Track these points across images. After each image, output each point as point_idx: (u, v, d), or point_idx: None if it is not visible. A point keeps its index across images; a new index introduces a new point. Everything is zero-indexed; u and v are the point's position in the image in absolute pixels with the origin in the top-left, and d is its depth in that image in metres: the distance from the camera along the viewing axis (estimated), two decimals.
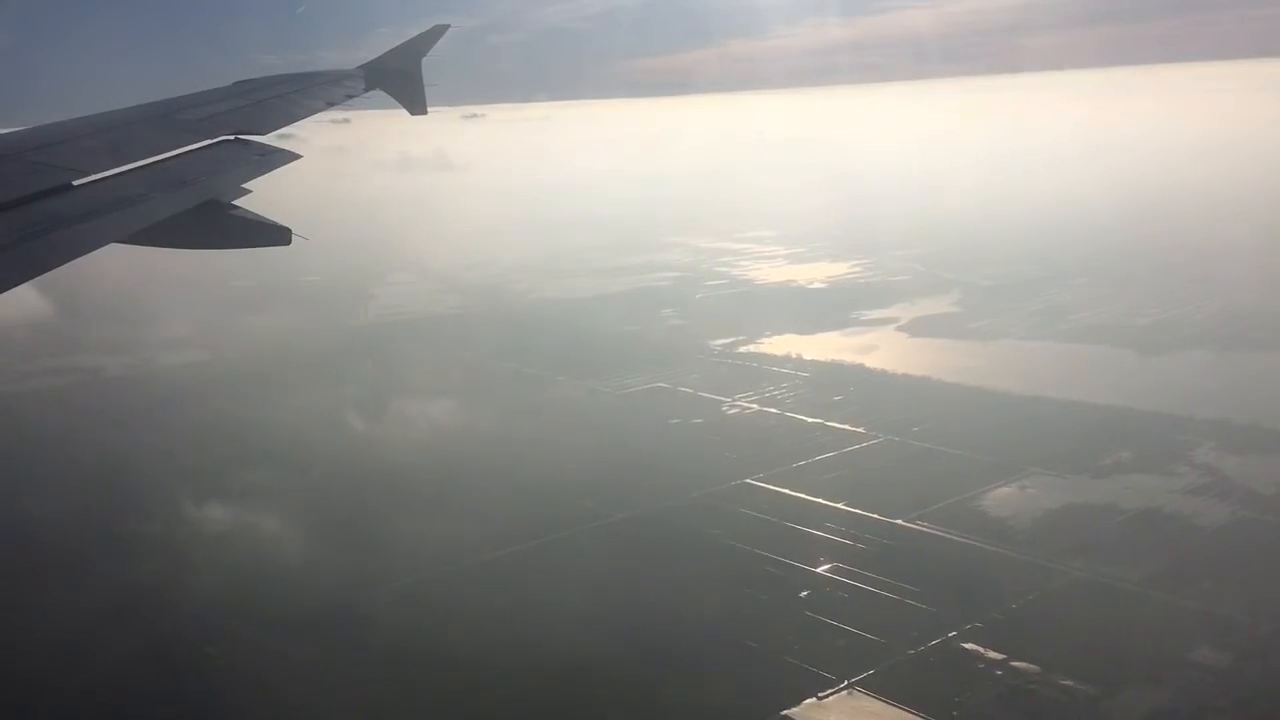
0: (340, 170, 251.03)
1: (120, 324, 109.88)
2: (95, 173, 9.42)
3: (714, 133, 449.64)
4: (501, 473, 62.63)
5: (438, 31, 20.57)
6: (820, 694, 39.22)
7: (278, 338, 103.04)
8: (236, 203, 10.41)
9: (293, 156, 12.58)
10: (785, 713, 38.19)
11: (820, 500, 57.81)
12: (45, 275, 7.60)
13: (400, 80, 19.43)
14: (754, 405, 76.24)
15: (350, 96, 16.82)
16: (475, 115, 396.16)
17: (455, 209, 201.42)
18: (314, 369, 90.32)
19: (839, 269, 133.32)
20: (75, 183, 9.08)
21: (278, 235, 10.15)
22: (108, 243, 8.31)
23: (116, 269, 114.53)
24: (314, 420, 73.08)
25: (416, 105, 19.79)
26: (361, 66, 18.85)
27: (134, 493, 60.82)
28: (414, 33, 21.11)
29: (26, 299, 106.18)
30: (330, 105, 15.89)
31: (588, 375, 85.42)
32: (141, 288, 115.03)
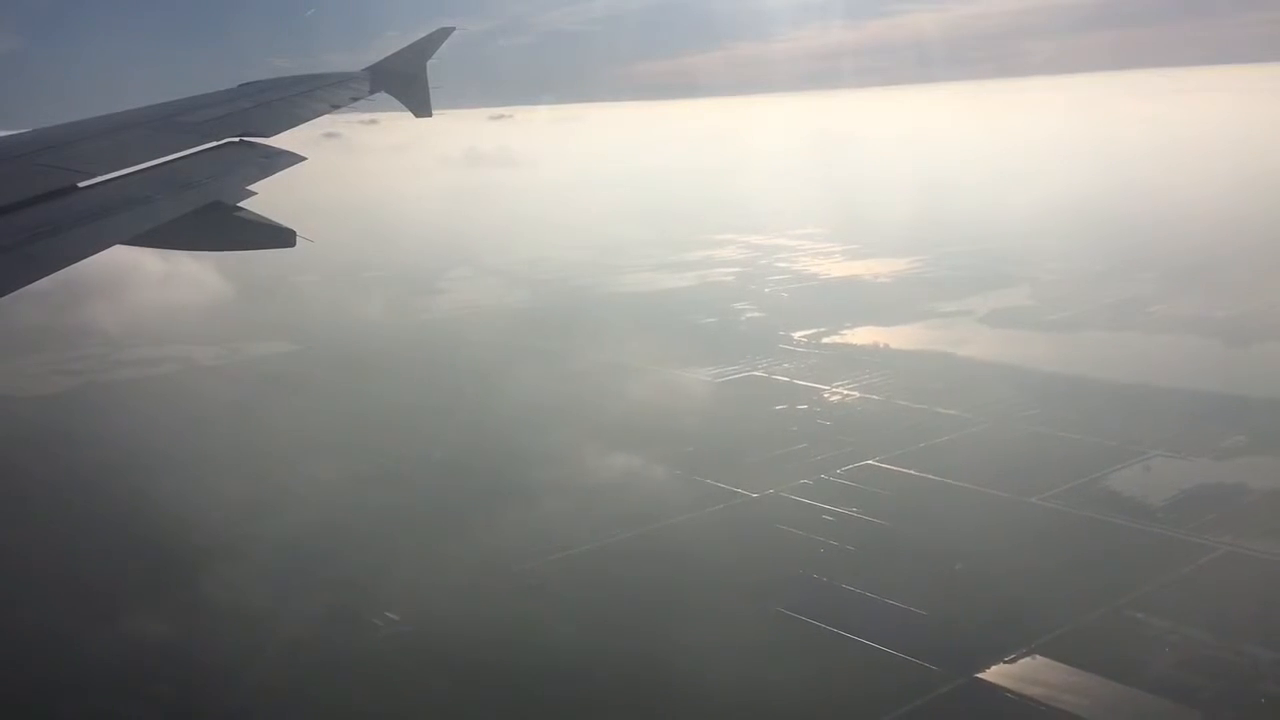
0: (376, 169, 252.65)
1: (190, 319, 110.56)
2: (100, 174, 9.42)
3: (733, 134, 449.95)
4: (639, 454, 64.14)
5: (442, 34, 20.70)
6: (1005, 659, 40.36)
7: (355, 330, 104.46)
8: (241, 205, 10.33)
9: (297, 159, 12.51)
10: (978, 675, 39.35)
11: (948, 480, 58.94)
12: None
13: (405, 82, 19.34)
14: (855, 392, 77.38)
15: (355, 99, 16.90)
16: (502, 116, 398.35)
17: (502, 206, 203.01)
18: (408, 359, 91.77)
19: (899, 264, 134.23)
20: (80, 184, 9.09)
21: (282, 237, 10.07)
22: (112, 244, 8.29)
23: (167, 264, 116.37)
24: (447, 407, 75.16)
25: (421, 108, 19.74)
26: (367, 69, 18.87)
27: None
28: (421, 36, 21.20)
29: (81, 296, 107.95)
30: (335, 108, 15.86)
31: (679, 365, 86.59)
32: (200, 283, 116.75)
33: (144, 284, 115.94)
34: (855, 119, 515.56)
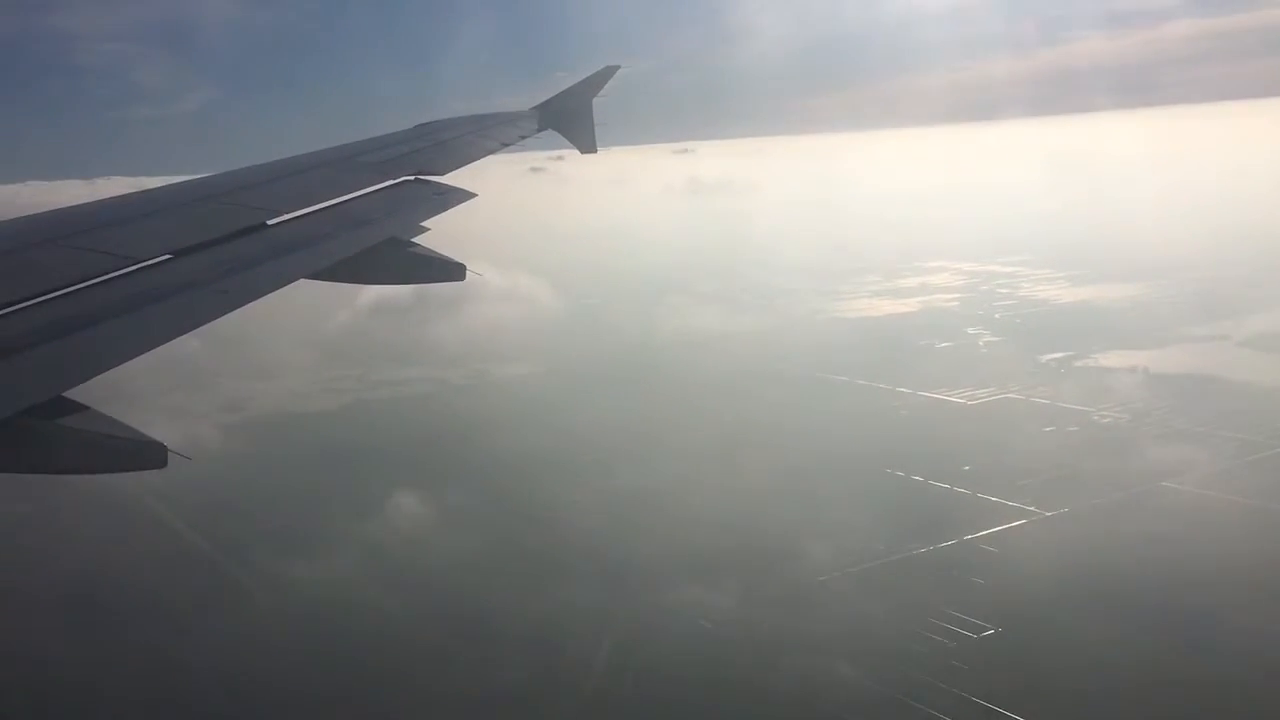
0: (579, 201, 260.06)
1: (416, 343, 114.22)
2: (287, 213, 9.94)
3: (914, 164, 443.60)
4: (916, 472, 64.77)
5: (608, 73, 20.76)
6: None
7: (588, 353, 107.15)
8: (415, 240, 10.51)
9: (468, 195, 12.70)
10: None
11: (1259, 503, 56.88)
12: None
13: (572, 120, 19.52)
14: (1125, 416, 75.39)
15: (524, 136, 17.14)
16: (686, 150, 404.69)
17: (709, 236, 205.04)
18: (651, 378, 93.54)
19: (1131, 289, 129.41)
20: (269, 222, 9.63)
21: (454, 272, 10.18)
22: (297, 279, 8.63)
23: (370, 295, 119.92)
24: (725, 418, 78.48)
25: (586, 144, 19.82)
26: (535, 107, 19.23)
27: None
28: (587, 75, 21.34)
29: (300, 325, 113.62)
30: (504, 145, 16.00)
31: (927, 387, 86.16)
32: (413, 312, 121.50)
33: (357, 313, 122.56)
34: (1037, 147, 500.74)
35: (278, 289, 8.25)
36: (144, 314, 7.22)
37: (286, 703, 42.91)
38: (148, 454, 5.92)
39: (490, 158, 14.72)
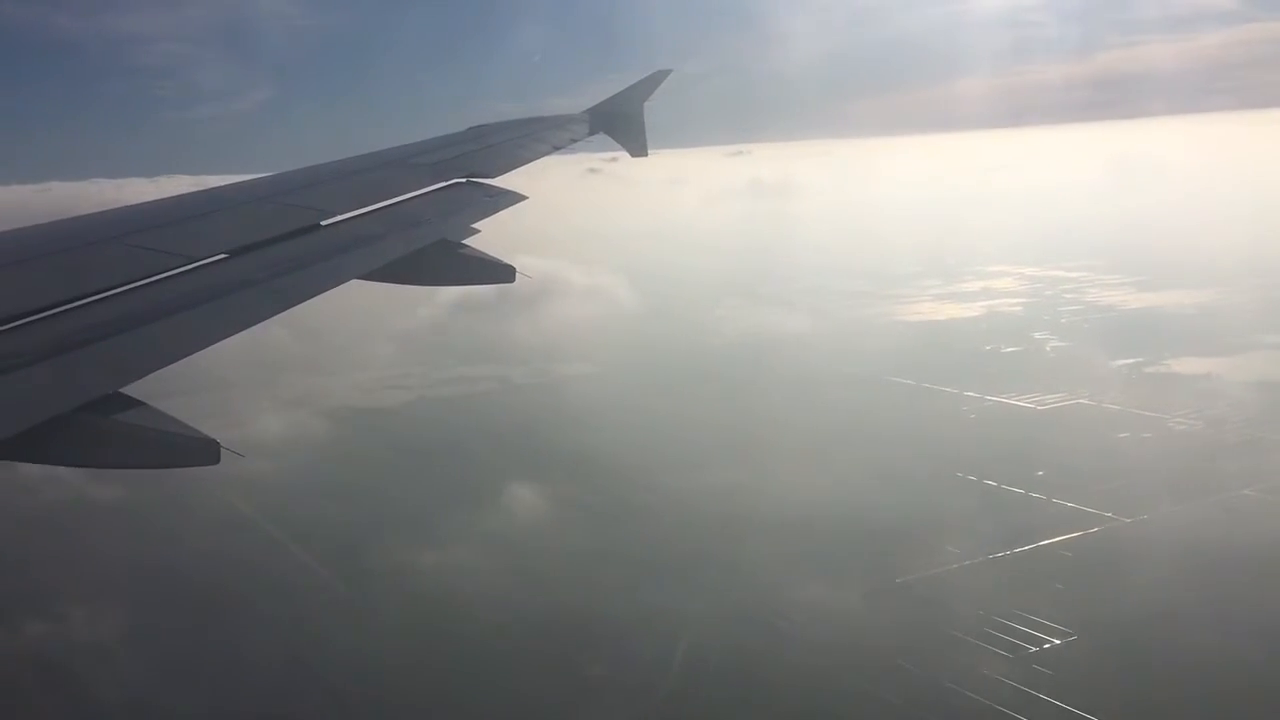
0: (636, 203, 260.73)
1: (497, 343, 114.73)
2: (340, 213, 10.02)
3: (967, 168, 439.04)
4: (989, 477, 64.02)
5: (659, 77, 20.90)
6: None
7: (652, 353, 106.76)
8: (466, 242, 10.55)
9: (519, 198, 12.73)
10: None
11: None
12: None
13: (623, 123, 19.68)
14: (1199, 423, 73.97)
15: (575, 140, 17.20)
16: (740, 152, 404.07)
17: (766, 237, 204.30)
18: (714, 380, 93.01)
19: (1200, 296, 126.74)
20: (323, 223, 9.72)
21: (503, 274, 10.23)
22: (349, 279, 8.73)
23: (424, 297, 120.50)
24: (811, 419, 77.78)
25: (638, 147, 19.93)
26: (586, 111, 19.23)
27: None
28: (637, 79, 21.28)
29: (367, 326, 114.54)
30: (556, 148, 16.00)
31: (995, 391, 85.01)
32: (471, 311, 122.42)
33: (428, 311, 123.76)
34: (1093, 152, 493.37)
35: (329, 289, 8.41)
36: (198, 313, 7.35)
37: (356, 693, 43.44)
38: (201, 450, 5.98)
39: (547, 159, 14.91)
